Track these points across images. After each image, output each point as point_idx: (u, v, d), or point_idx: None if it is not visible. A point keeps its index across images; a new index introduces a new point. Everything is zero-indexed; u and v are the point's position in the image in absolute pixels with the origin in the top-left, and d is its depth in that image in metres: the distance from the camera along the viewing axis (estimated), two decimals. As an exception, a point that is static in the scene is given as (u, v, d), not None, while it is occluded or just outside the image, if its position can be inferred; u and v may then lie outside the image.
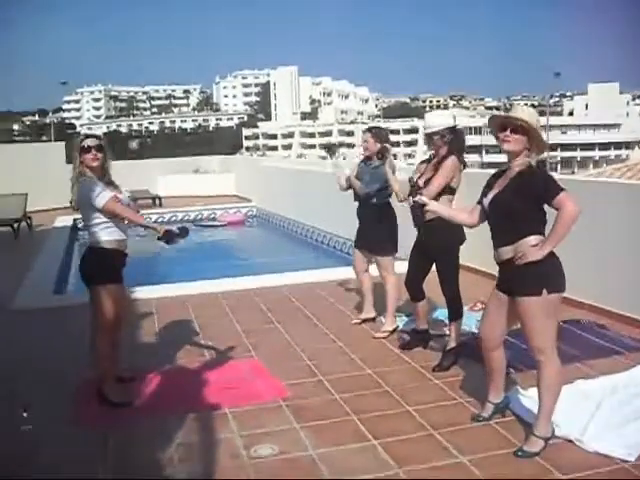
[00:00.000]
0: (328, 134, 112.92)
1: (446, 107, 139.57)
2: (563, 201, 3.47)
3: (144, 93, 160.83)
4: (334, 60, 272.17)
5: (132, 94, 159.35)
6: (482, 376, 4.25)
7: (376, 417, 4.24)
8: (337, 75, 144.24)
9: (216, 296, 7.60)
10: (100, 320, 4.44)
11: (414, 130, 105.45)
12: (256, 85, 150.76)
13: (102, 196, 4.38)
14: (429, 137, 5.06)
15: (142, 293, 7.66)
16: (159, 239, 4.43)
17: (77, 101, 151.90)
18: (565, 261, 3.64)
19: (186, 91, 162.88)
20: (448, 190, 4.99)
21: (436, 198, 4.69)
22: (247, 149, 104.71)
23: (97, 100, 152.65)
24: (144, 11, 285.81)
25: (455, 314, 5.16)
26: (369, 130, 6.11)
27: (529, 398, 4.17)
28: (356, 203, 6.19)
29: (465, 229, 4.81)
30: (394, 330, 5.96)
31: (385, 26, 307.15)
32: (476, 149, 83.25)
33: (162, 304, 7.30)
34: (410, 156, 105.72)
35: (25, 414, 4.21)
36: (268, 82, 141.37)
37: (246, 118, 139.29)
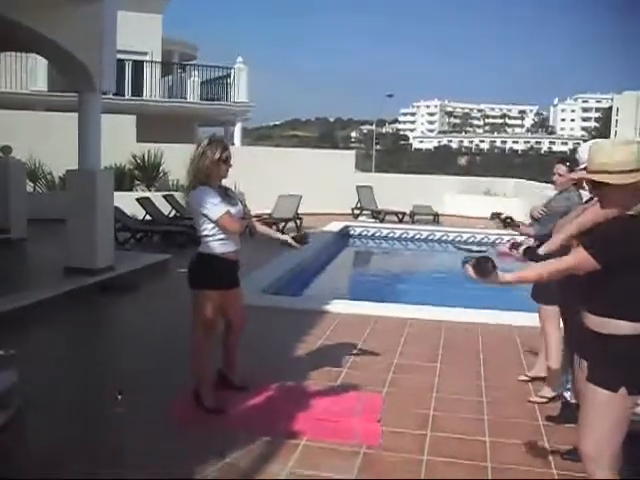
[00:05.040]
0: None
1: None
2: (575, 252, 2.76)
3: (479, 111, 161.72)
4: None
5: (467, 111, 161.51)
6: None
7: (445, 494, 3.66)
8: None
9: (404, 322, 7.28)
10: (195, 322, 4.52)
11: None
12: (597, 110, 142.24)
13: (217, 210, 4.39)
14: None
15: (331, 307, 7.68)
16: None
17: (413, 114, 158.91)
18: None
19: (522, 111, 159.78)
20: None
21: (564, 249, 3.76)
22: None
23: (432, 115, 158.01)
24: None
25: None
26: (563, 162, 5.29)
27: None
28: None
29: None
30: (556, 397, 5.10)
31: None
32: None
33: (344, 321, 7.22)
34: None
35: (119, 397, 4.51)
36: (611, 107, 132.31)
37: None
